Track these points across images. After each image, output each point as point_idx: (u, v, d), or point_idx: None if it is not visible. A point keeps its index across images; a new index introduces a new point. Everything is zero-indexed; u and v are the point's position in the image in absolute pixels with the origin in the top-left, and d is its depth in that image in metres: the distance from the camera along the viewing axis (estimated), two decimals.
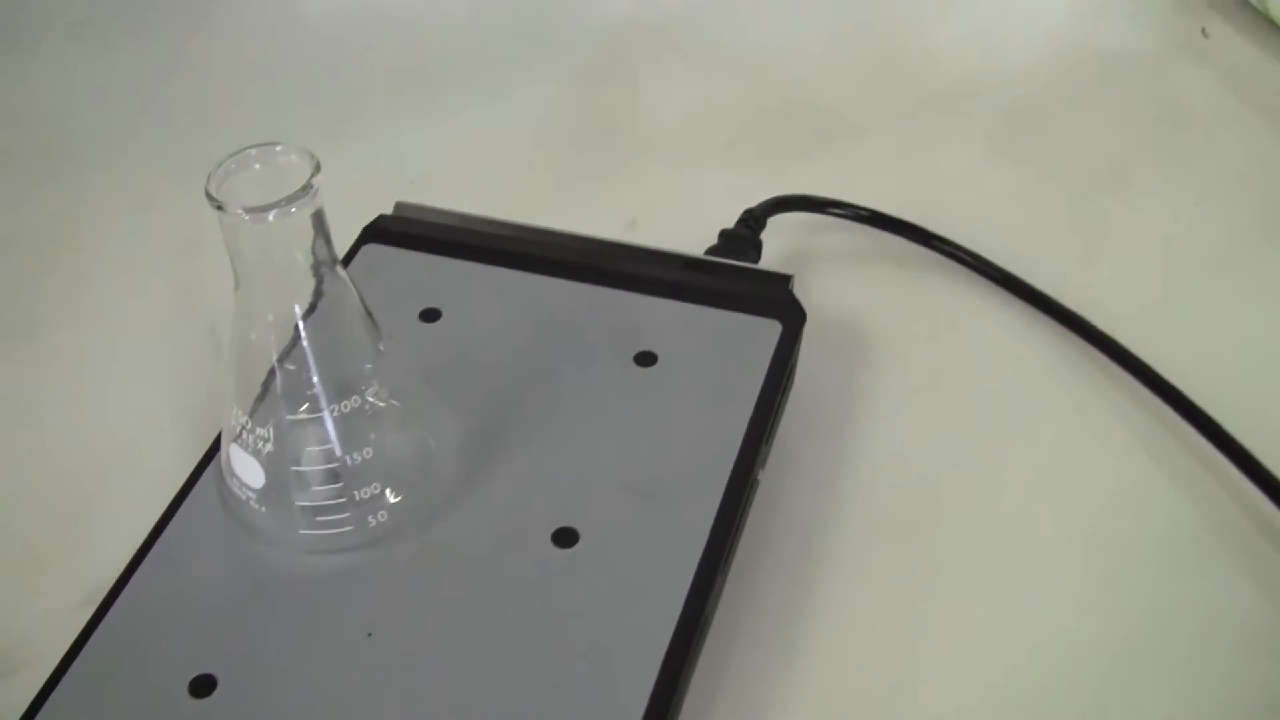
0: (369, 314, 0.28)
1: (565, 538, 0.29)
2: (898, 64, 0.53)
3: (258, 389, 0.27)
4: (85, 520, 0.35)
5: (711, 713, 0.30)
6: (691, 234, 0.39)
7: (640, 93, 0.52)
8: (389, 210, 0.38)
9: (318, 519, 0.28)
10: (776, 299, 0.35)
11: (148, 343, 0.40)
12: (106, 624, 0.28)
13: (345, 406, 0.28)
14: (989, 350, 0.40)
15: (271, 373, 0.27)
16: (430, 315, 0.35)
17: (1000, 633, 0.32)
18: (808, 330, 0.36)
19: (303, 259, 0.26)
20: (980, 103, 0.50)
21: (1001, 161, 0.47)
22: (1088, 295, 0.40)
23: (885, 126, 0.49)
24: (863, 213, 0.42)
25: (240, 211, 0.24)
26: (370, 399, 0.28)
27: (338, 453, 0.28)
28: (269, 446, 0.28)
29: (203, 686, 0.26)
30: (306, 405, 0.27)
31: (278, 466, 0.28)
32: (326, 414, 0.27)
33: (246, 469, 0.28)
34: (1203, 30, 0.55)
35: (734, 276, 0.36)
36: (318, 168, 0.25)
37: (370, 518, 0.29)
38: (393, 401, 0.29)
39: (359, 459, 0.28)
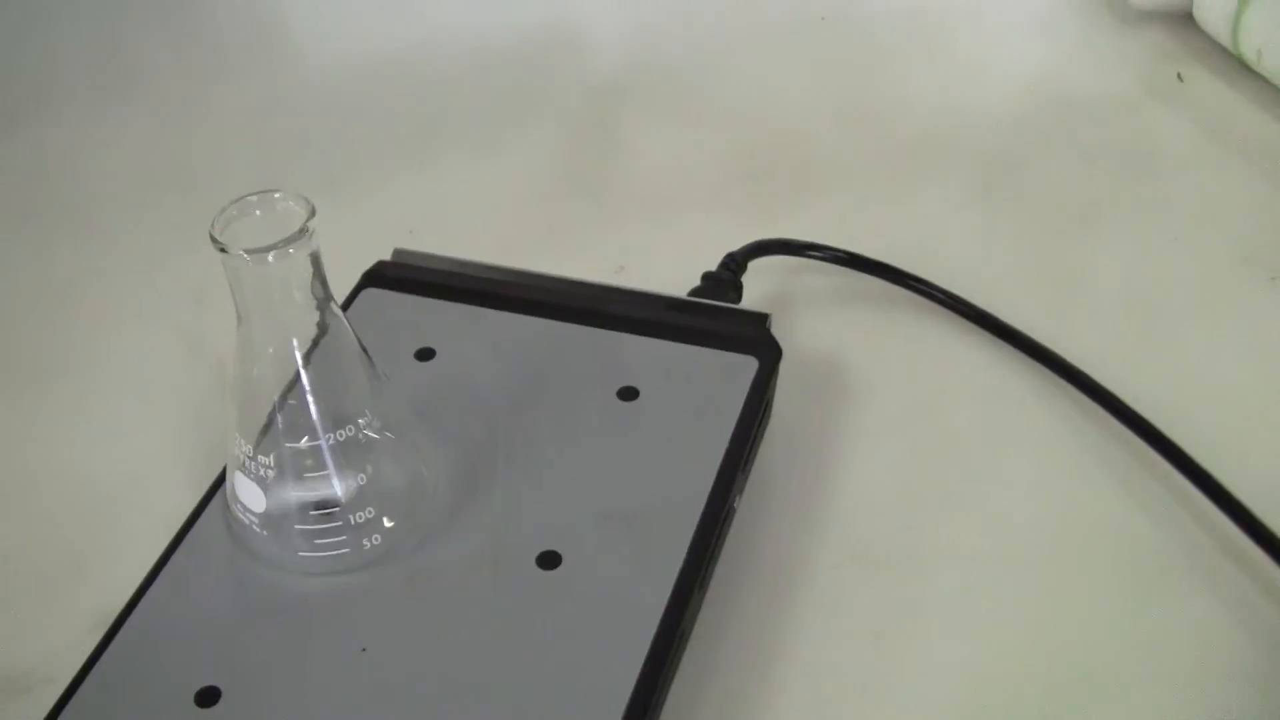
0: (364, 349, 0.30)
1: (549, 560, 0.31)
2: (878, 113, 0.55)
3: (260, 419, 0.30)
4: (100, 549, 0.36)
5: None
6: (678, 278, 0.41)
7: (628, 145, 0.54)
8: (388, 257, 0.40)
9: (315, 542, 0.30)
10: (753, 337, 0.37)
11: (158, 385, 0.42)
12: (119, 639, 0.29)
13: (341, 435, 0.30)
14: (962, 384, 0.41)
15: (272, 404, 0.29)
16: (425, 354, 0.37)
17: (970, 660, 0.33)
18: (788, 367, 0.38)
19: (300, 297, 0.28)
20: (959, 149, 0.52)
21: (979, 205, 0.49)
22: (1060, 332, 0.41)
23: (866, 174, 0.51)
24: (839, 255, 0.44)
25: (242, 253, 0.26)
26: (365, 429, 0.30)
27: (334, 479, 0.30)
28: (270, 473, 0.30)
29: (208, 697, 0.28)
30: (305, 435, 0.29)
31: (278, 492, 0.30)
32: (323, 443, 0.29)
33: (249, 495, 0.30)
34: (1178, 75, 0.57)
35: (713, 316, 0.38)
36: (313, 212, 0.27)
37: (365, 541, 0.31)
38: (386, 433, 0.31)
39: (354, 485, 0.30)
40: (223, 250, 0.26)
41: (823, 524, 0.36)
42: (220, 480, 0.33)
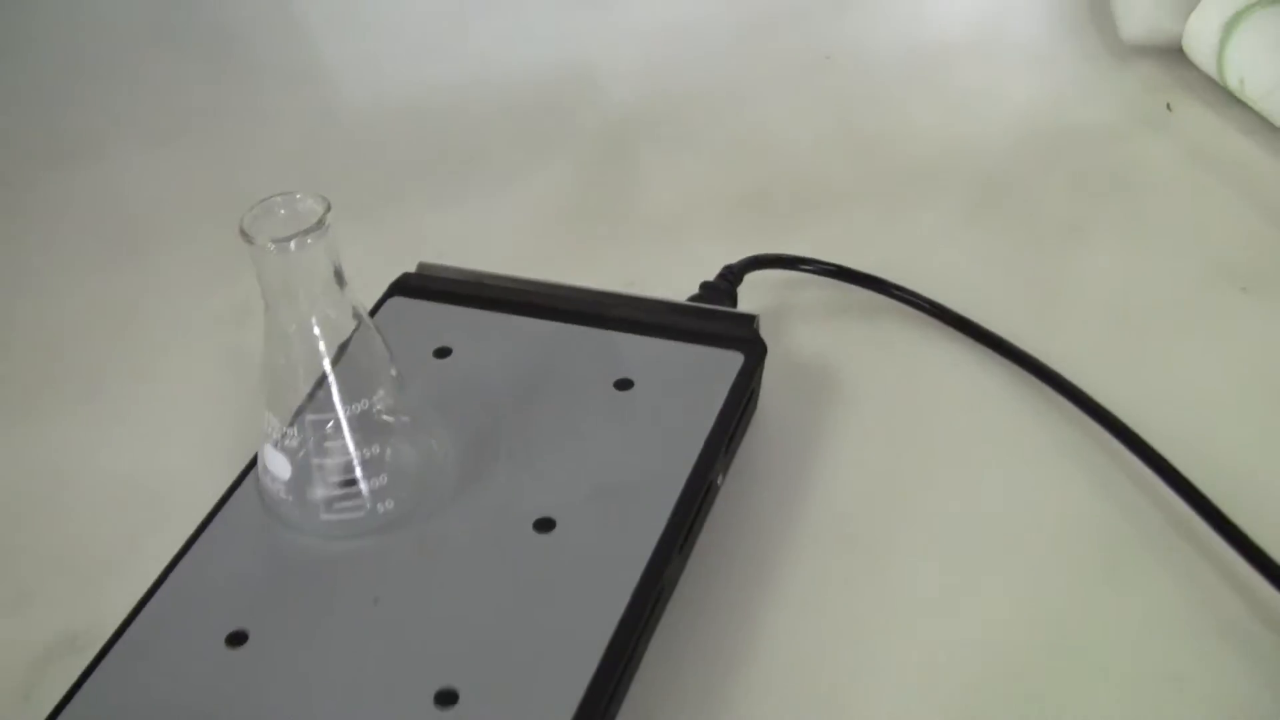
0: (382, 337, 0.34)
1: (544, 525, 0.35)
2: (878, 144, 0.59)
3: (285, 396, 0.33)
4: (150, 532, 0.40)
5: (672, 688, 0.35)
6: (681, 293, 0.45)
7: (641, 174, 0.58)
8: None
9: (336, 506, 0.34)
10: (741, 335, 0.41)
11: (203, 397, 0.46)
12: (163, 589, 0.34)
13: (357, 409, 0.33)
14: (944, 386, 0.44)
15: (298, 382, 0.33)
16: (443, 352, 0.41)
17: (945, 643, 0.35)
18: (779, 370, 0.41)
19: (319, 285, 0.32)
20: (954, 175, 0.56)
21: (970, 225, 0.52)
22: (1042, 338, 0.44)
23: (864, 200, 0.55)
24: (829, 268, 0.47)
25: (268, 243, 0.30)
26: (380, 404, 0.34)
27: (352, 449, 0.34)
28: (294, 444, 0.34)
29: (238, 639, 0.32)
30: (326, 408, 0.33)
31: (302, 461, 0.34)
32: (342, 416, 0.33)
33: (276, 464, 0.34)
34: (1167, 105, 0.60)
35: (705, 317, 0.42)
36: (329, 208, 0.31)
37: (379, 506, 0.34)
38: (400, 412, 0.35)
39: (370, 456, 0.34)
40: (250, 241, 0.30)
41: (804, 504, 0.39)
42: (252, 464, 0.37)
